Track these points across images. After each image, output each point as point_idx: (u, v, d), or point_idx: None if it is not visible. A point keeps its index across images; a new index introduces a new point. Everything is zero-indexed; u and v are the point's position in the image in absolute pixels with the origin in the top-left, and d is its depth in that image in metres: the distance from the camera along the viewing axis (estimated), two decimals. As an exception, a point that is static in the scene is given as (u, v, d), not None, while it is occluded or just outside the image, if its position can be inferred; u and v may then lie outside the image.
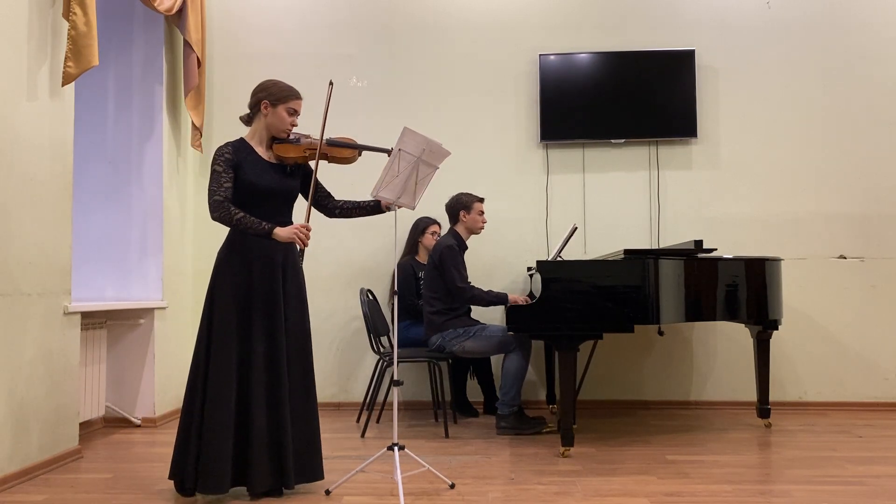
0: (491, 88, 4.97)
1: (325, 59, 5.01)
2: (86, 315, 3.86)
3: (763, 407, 4.16)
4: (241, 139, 2.97)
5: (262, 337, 2.84)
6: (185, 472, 2.78)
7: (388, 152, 3.07)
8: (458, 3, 5.00)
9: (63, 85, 3.36)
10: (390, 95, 4.99)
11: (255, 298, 2.85)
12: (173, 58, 4.65)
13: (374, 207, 3.09)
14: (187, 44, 4.47)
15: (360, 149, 3.06)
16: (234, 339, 2.82)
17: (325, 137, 2.95)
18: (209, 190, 2.81)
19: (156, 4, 4.02)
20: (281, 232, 2.79)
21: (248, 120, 3.01)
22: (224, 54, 4.99)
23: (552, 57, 4.86)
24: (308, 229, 2.82)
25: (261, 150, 2.95)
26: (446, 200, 4.67)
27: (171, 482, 2.88)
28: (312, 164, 2.95)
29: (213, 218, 2.80)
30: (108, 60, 4.42)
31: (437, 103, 4.97)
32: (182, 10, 4.39)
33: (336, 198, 3.16)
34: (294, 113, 2.95)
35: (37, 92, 3.26)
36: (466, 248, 4.30)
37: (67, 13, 3.28)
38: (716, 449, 3.64)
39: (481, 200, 4.35)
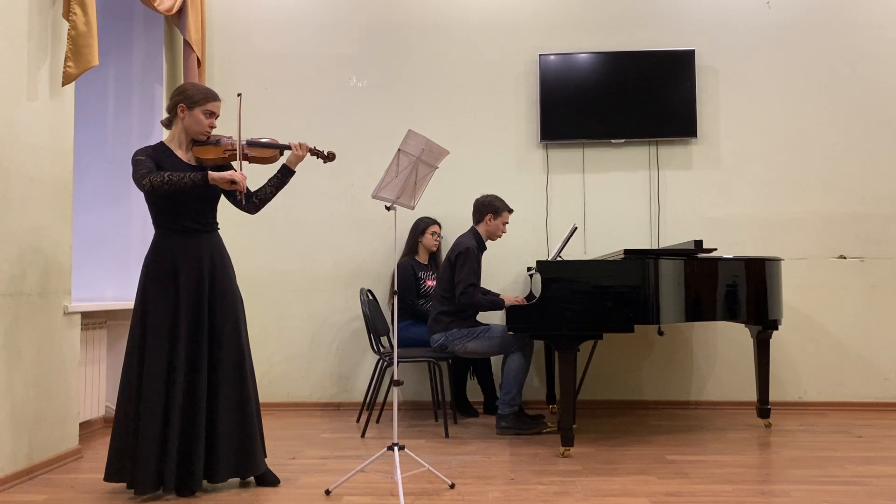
0: (491, 88, 4.97)
1: (325, 59, 5.01)
2: (86, 315, 3.86)
3: (763, 407, 4.16)
4: (161, 143, 2.98)
5: (185, 341, 2.84)
6: (123, 473, 2.81)
7: (317, 153, 3.08)
8: (458, 3, 5.00)
9: (63, 85, 3.36)
10: (390, 95, 4.99)
11: (181, 301, 2.85)
12: (173, 58, 4.65)
13: (283, 175, 3.06)
14: (187, 44, 4.47)
15: (281, 148, 3.07)
16: (164, 344, 2.82)
17: (244, 139, 2.96)
18: (133, 174, 2.79)
19: (156, 4, 4.02)
20: (216, 174, 2.78)
21: (167, 124, 3.01)
22: (224, 54, 4.99)
23: (552, 57, 4.86)
24: (244, 176, 2.84)
25: (180, 153, 2.95)
26: (446, 200, 4.68)
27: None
28: (234, 164, 2.97)
29: (144, 187, 2.75)
30: (108, 60, 4.43)
31: (437, 103, 4.97)
32: (182, 10, 4.40)
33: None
34: (211, 115, 2.95)
35: (37, 92, 3.26)
36: (485, 248, 4.28)
37: (67, 13, 3.28)
38: (716, 449, 3.64)
39: (511, 211, 4.32)
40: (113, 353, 4.31)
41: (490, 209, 4.24)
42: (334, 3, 5.03)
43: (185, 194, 2.84)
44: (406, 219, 4.65)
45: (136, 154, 2.87)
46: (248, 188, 2.95)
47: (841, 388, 4.74)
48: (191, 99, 2.91)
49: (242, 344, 2.97)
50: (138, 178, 2.78)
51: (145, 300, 2.87)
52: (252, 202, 3.06)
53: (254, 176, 3.14)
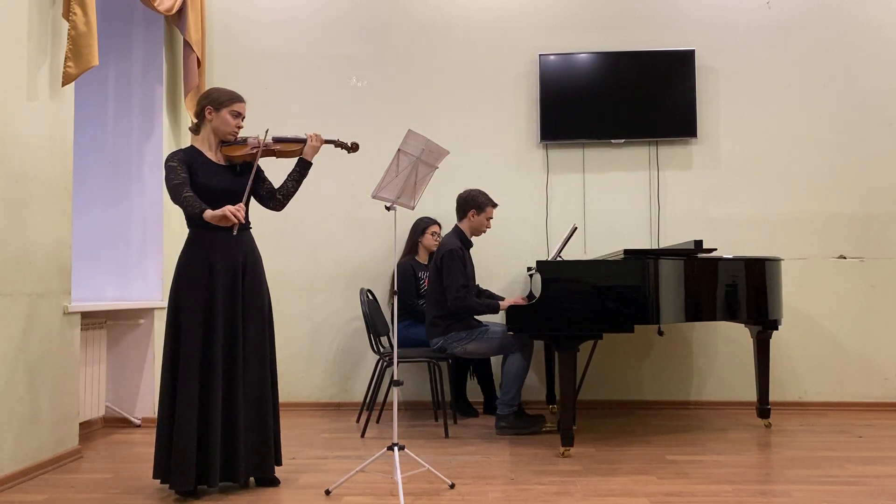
0: (491, 88, 4.97)
1: (325, 59, 5.01)
2: (86, 315, 3.86)
3: (763, 407, 4.16)
4: (192, 146, 3.06)
5: (221, 341, 2.88)
6: (164, 471, 2.87)
7: (341, 144, 3.20)
8: (458, 3, 5.00)
9: (63, 85, 3.36)
10: (390, 95, 4.99)
11: (216, 301, 2.89)
12: (173, 58, 4.65)
13: (301, 167, 3.11)
14: (187, 44, 4.47)
15: (304, 141, 3.13)
16: (198, 343, 2.86)
17: (270, 135, 3.06)
18: (166, 180, 2.89)
19: (156, 4, 4.01)
20: (209, 213, 2.83)
21: (196, 129, 3.09)
22: (224, 54, 4.99)
23: (552, 57, 4.86)
24: (239, 209, 2.85)
25: (210, 154, 3.03)
26: (446, 200, 4.67)
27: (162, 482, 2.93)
28: (261, 161, 3.04)
29: (173, 201, 2.89)
30: (108, 60, 4.42)
31: (437, 103, 4.97)
32: (182, 10, 4.39)
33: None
34: (238, 115, 3.04)
35: (37, 92, 3.26)
36: (471, 244, 4.26)
37: (67, 13, 3.28)
38: (716, 449, 3.64)
39: (495, 206, 4.28)
40: (113, 353, 4.31)
41: (473, 205, 4.20)
42: (334, 3, 5.03)
43: (218, 198, 2.88)
44: (406, 219, 4.65)
45: (169, 159, 2.94)
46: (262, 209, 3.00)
47: (841, 388, 4.74)
48: (217, 101, 3.01)
49: (265, 345, 3.00)
50: (169, 188, 2.89)
51: (178, 298, 2.91)
52: (276, 199, 3.14)
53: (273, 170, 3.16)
